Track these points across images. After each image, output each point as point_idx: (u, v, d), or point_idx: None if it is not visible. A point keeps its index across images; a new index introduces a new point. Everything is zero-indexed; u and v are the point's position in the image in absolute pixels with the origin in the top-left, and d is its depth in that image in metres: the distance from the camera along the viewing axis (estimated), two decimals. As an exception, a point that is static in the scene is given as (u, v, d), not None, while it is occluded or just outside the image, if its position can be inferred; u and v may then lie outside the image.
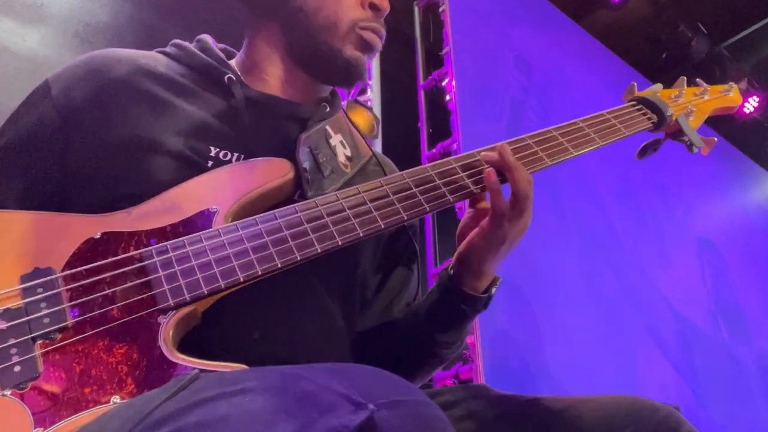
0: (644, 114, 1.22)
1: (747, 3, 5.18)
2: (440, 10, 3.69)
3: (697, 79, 1.37)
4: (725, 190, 5.50)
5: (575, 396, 0.86)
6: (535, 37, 4.32)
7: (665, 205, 4.61)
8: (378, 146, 3.15)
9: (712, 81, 1.42)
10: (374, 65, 3.51)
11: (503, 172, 0.97)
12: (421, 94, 3.71)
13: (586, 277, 3.52)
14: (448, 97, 3.43)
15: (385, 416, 0.49)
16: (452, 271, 1.04)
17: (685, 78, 1.33)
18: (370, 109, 3.31)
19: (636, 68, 5.05)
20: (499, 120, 3.57)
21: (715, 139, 1.25)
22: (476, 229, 0.98)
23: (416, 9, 4.00)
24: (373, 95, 3.43)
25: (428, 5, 3.90)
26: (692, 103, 1.30)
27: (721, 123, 5.52)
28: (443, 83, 3.52)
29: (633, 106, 1.24)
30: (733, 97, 1.37)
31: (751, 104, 5.79)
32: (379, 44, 1.09)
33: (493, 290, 1.03)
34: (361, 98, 3.39)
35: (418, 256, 1.21)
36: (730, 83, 1.39)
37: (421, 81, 3.75)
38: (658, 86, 1.30)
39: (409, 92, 3.83)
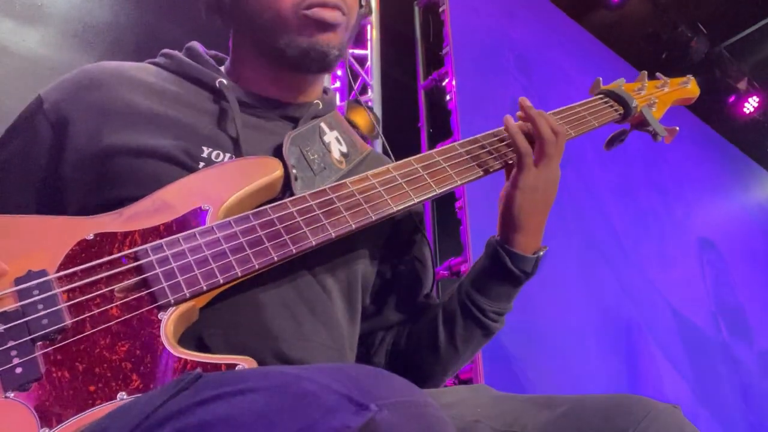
0: (611, 106, 1.28)
1: (747, 3, 5.19)
2: (440, 10, 3.70)
3: (657, 73, 1.44)
4: (725, 190, 5.50)
5: (575, 395, 0.85)
6: (535, 37, 4.32)
7: (665, 205, 4.61)
8: (378, 146, 3.15)
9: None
10: (374, 65, 3.51)
11: (528, 121, 1.07)
12: (421, 94, 3.71)
13: (586, 276, 3.52)
14: (448, 97, 3.43)
15: (386, 417, 0.49)
16: (498, 237, 1.07)
17: (646, 72, 1.40)
18: (370, 109, 3.31)
19: (636, 68, 5.05)
20: (499, 120, 3.55)
21: (677, 128, 1.30)
22: (510, 182, 1.05)
23: (416, 9, 4.01)
24: (373, 95, 3.43)
25: (428, 5, 3.91)
26: (654, 95, 1.36)
27: (722, 123, 5.53)
28: (443, 83, 3.52)
29: (601, 98, 1.29)
30: (690, 88, 1.44)
31: (751, 104, 5.80)
32: (333, 15, 1.00)
33: (541, 253, 1.07)
34: (361, 98, 3.39)
35: (430, 244, 1.22)
36: (688, 76, 1.47)
37: (421, 81, 3.76)
38: (622, 80, 1.35)
39: (409, 92, 3.83)
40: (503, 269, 1.06)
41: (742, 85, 5.74)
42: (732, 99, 5.83)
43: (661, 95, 1.37)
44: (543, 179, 1.04)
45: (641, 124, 1.31)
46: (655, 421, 0.74)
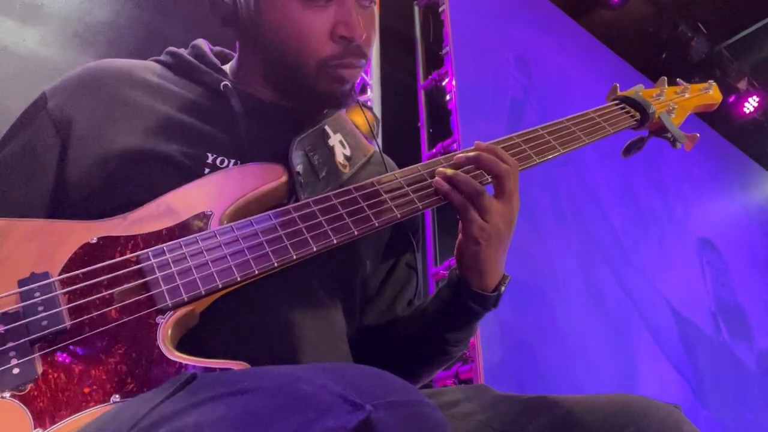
0: (627, 112, 1.25)
1: (747, 3, 5.19)
2: (440, 9, 3.70)
3: (678, 79, 1.40)
4: (725, 190, 5.50)
5: (575, 395, 0.85)
6: (535, 37, 4.32)
7: (665, 205, 4.61)
8: (377, 147, 3.15)
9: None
10: (374, 65, 3.51)
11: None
12: (421, 94, 3.71)
13: (586, 276, 3.52)
14: (448, 97, 3.43)
15: (382, 417, 0.48)
16: (459, 276, 1.03)
17: (666, 78, 1.36)
18: (370, 109, 3.31)
19: (636, 68, 5.06)
20: (499, 120, 3.57)
21: (698, 134, 1.27)
22: (461, 234, 0.99)
23: (416, 9, 4.01)
24: (373, 95, 3.43)
25: (428, 5, 3.91)
26: (673, 101, 1.33)
27: (722, 123, 5.53)
28: (443, 83, 3.52)
29: (617, 105, 1.26)
30: (712, 94, 1.40)
31: (751, 104, 5.80)
32: (355, 76, 1.02)
33: (502, 288, 1.02)
34: (361, 98, 3.39)
35: (416, 252, 1.20)
36: (710, 81, 1.43)
37: (421, 81, 3.76)
38: (640, 86, 1.32)
39: (409, 92, 3.83)
40: (466, 308, 1.02)
41: (742, 85, 5.74)
42: (732, 99, 5.83)
43: (680, 101, 1.33)
44: (494, 226, 0.95)
45: (660, 130, 1.28)
46: (655, 421, 0.74)
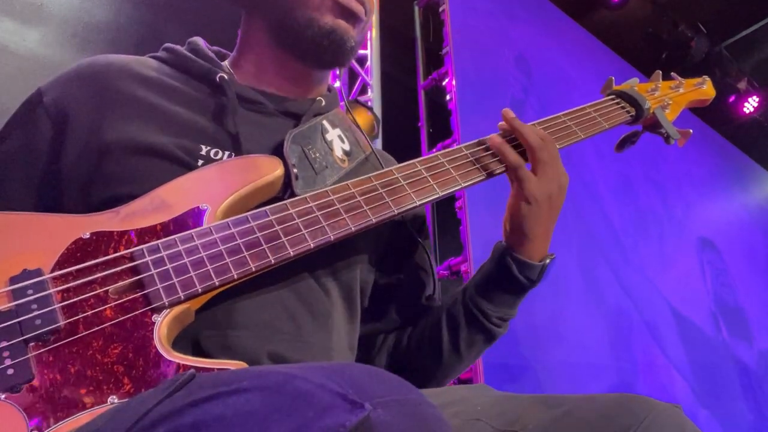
0: (623, 107, 1.24)
1: (747, 3, 5.18)
2: (440, 9, 3.69)
3: (672, 73, 1.40)
4: (725, 189, 5.50)
5: (575, 395, 0.85)
6: (535, 37, 4.32)
7: (665, 204, 4.61)
8: (378, 146, 3.15)
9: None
10: (374, 65, 3.50)
11: (513, 132, 1.07)
12: (421, 94, 3.71)
13: (586, 276, 3.52)
14: (448, 97, 3.43)
15: (381, 415, 0.48)
16: (504, 244, 1.07)
17: (661, 72, 1.36)
18: (370, 108, 3.31)
19: (636, 68, 5.05)
20: (499, 119, 3.55)
21: (691, 131, 1.27)
22: (513, 194, 1.04)
23: (416, 9, 4.00)
24: (373, 95, 3.43)
25: (428, 5, 3.90)
26: (668, 96, 1.32)
27: (722, 123, 5.53)
28: (443, 83, 3.52)
29: (612, 99, 1.26)
30: (706, 89, 1.40)
31: (751, 104, 5.80)
32: (358, 8, 1.03)
33: (548, 261, 1.07)
34: (361, 98, 3.39)
35: (426, 250, 1.20)
36: (704, 77, 1.42)
37: (421, 81, 3.75)
38: (635, 80, 1.31)
39: (409, 92, 3.83)
40: (509, 276, 1.05)
41: (742, 85, 5.74)
42: (732, 99, 5.84)
43: (675, 96, 1.33)
44: (545, 188, 1.02)
45: (654, 126, 1.27)
46: (656, 420, 0.74)
